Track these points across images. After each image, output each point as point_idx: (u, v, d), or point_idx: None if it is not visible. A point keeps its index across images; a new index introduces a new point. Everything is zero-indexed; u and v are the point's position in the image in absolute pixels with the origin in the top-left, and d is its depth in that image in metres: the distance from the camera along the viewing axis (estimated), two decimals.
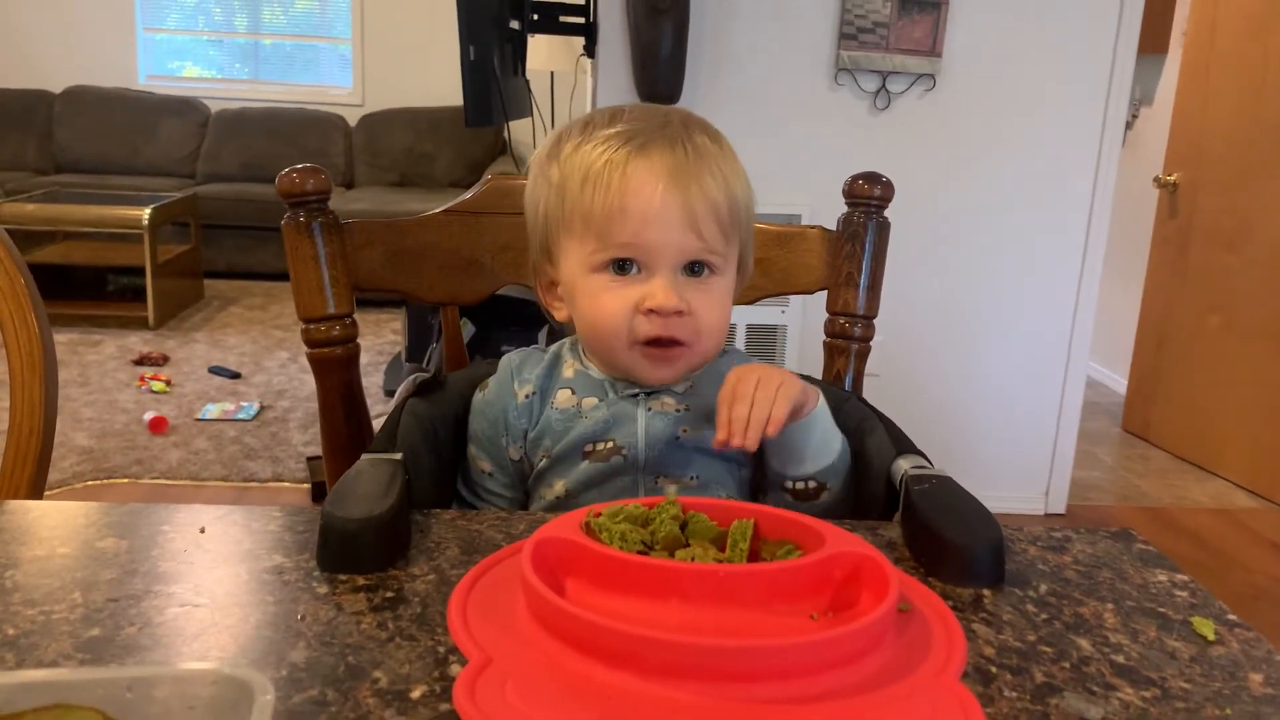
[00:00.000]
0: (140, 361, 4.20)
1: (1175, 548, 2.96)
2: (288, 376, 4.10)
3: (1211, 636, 0.57)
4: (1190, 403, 3.72)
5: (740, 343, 2.91)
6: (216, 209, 5.59)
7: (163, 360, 4.24)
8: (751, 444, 0.70)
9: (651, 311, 0.78)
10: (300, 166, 0.91)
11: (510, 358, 0.88)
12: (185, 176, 6.10)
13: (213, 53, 6.67)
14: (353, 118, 6.26)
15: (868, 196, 1.01)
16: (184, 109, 6.25)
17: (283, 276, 5.50)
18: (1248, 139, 3.47)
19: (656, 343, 0.79)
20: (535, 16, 3.42)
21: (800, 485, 0.80)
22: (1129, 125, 4.49)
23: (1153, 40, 4.15)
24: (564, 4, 3.45)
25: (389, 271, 0.98)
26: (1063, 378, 3.11)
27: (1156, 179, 3.87)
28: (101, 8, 6.31)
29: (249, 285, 5.61)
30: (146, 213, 4.68)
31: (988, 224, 2.99)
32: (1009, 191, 2.97)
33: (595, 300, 0.80)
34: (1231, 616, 0.60)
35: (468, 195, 1.01)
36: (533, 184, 0.83)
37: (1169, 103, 3.98)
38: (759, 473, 0.84)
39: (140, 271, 4.71)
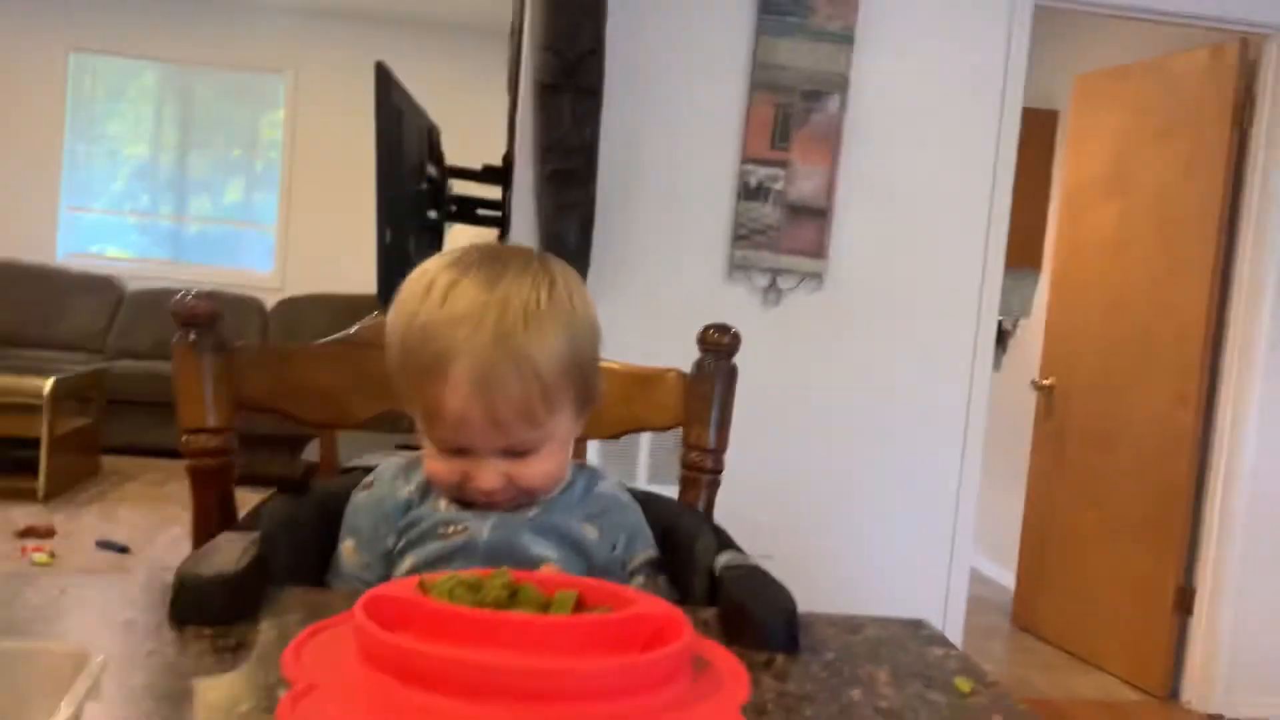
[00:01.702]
0: (25, 534, 4.07)
1: None
2: (180, 551, 4.00)
3: (968, 690, 0.65)
4: (1074, 598, 3.85)
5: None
6: (125, 385, 5.56)
7: (49, 533, 4.11)
8: None
9: (476, 490, 0.87)
10: (195, 292, 1.00)
11: (394, 460, 0.96)
12: (95, 352, 6.08)
13: (135, 237, 6.80)
14: (271, 301, 6.37)
15: (717, 344, 1.13)
16: (100, 286, 6.31)
17: None
18: (1111, 348, 3.77)
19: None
20: (454, 208, 3.63)
21: None
22: (1010, 333, 4.82)
23: (1027, 256, 4.53)
24: (480, 199, 3.67)
25: (273, 393, 1.05)
26: (947, 573, 3.20)
27: (1033, 382, 4.14)
28: (27, 185, 6.44)
29: (151, 462, 5.51)
30: (48, 384, 4.64)
31: (871, 418, 3.15)
32: (891, 387, 3.15)
33: (432, 463, 0.89)
34: (991, 679, 0.67)
35: (352, 330, 1.10)
36: (388, 329, 0.89)
37: (1044, 313, 4.30)
38: None
39: (34, 444, 4.63)
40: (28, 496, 4.57)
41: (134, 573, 3.49)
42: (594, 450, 2.88)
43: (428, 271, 0.87)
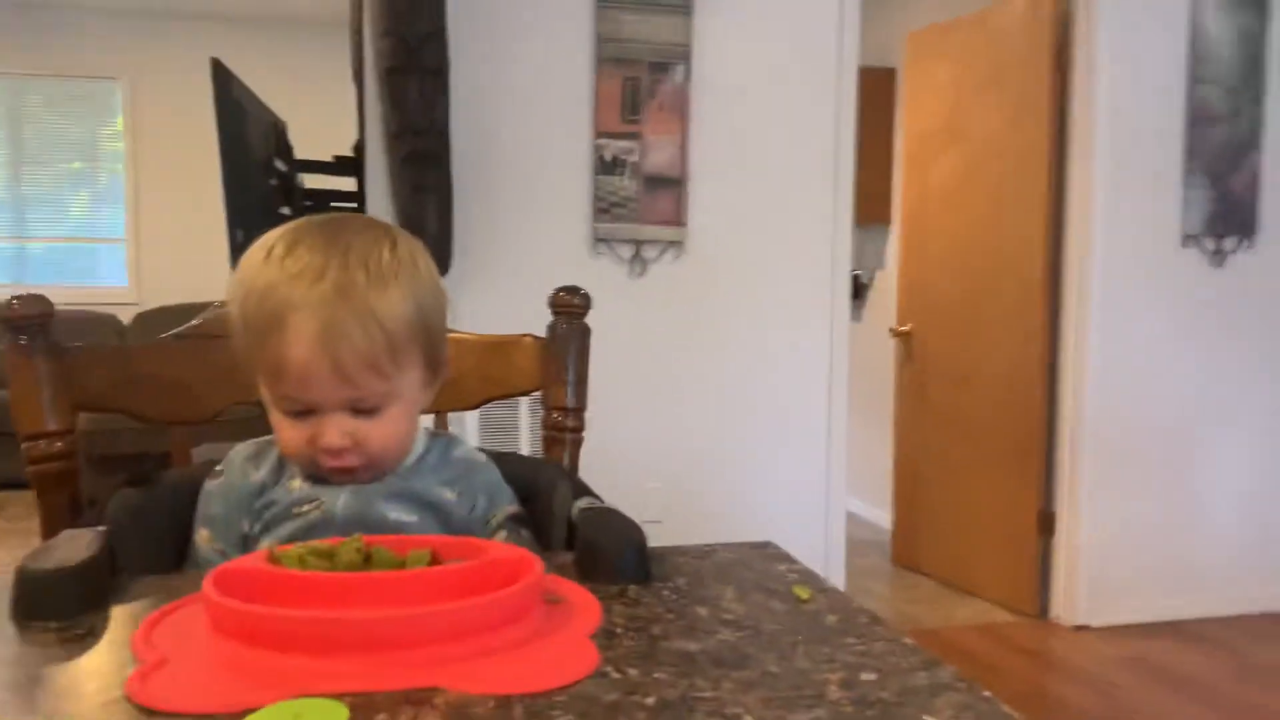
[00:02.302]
0: None
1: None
2: None
3: (806, 596, 0.69)
4: (947, 531, 4.03)
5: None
6: None
7: None
8: None
9: (324, 449, 0.86)
10: (21, 294, 0.97)
11: (243, 447, 0.95)
12: None
13: None
14: (128, 316, 6.13)
15: (569, 304, 1.16)
16: None
17: (17, 485, 5.21)
18: (961, 292, 3.94)
19: (334, 468, 0.88)
20: (308, 203, 3.56)
21: None
22: (868, 286, 4.99)
23: (877, 210, 4.70)
24: (335, 191, 3.61)
25: (113, 392, 1.03)
26: (824, 516, 3.31)
27: (891, 329, 4.30)
28: None
29: (8, 495, 5.25)
30: None
31: (741, 377, 3.22)
32: (758, 345, 3.23)
33: (280, 431, 0.88)
34: (829, 585, 0.72)
35: (195, 321, 1.08)
36: (229, 298, 0.89)
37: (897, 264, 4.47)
38: None
39: None
40: None
41: None
42: (471, 420, 2.89)
43: (267, 239, 0.87)
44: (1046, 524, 3.60)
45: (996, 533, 3.78)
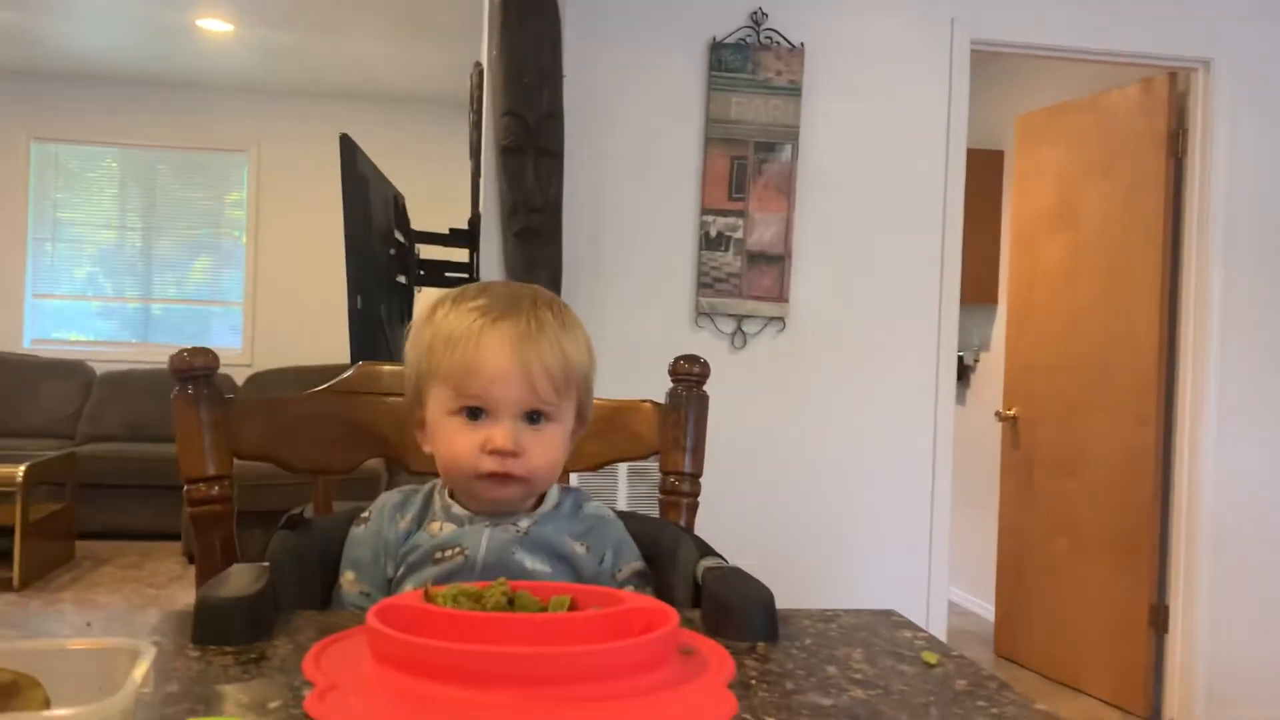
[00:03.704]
0: None
1: None
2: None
3: (934, 661, 0.71)
4: (1053, 624, 3.90)
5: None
6: (96, 468, 5.54)
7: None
8: None
9: (494, 451, 0.93)
10: (190, 347, 1.05)
11: (390, 495, 1.03)
12: (65, 437, 6.05)
13: (100, 322, 6.81)
14: (241, 378, 6.38)
15: (688, 373, 1.20)
16: (68, 371, 6.29)
17: (160, 536, 5.44)
18: (1070, 375, 3.87)
19: (495, 475, 0.95)
20: (422, 272, 3.70)
21: None
22: (972, 368, 4.93)
23: (983, 292, 4.66)
24: (448, 263, 3.74)
25: (266, 442, 1.10)
26: (925, 604, 3.25)
27: (997, 413, 4.23)
28: None
29: (124, 545, 5.48)
30: (21, 470, 4.61)
31: (841, 456, 3.21)
32: (859, 425, 3.22)
33: (451, 439, 0.96)
34: (955, 652, 0.73)
35: (341, 377, 1.15)
36: (411, 342, 1.00)
37: (1003, 346, 4.41)
38: None
39: (9, 532, 4.59)
40: (2, 586, 4.52)
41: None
42: (574, 483, 2.95)
43: (448, 293, 0.99)
44: (1160, 619, 3.46)
45: (1105, 626, 3.65)
